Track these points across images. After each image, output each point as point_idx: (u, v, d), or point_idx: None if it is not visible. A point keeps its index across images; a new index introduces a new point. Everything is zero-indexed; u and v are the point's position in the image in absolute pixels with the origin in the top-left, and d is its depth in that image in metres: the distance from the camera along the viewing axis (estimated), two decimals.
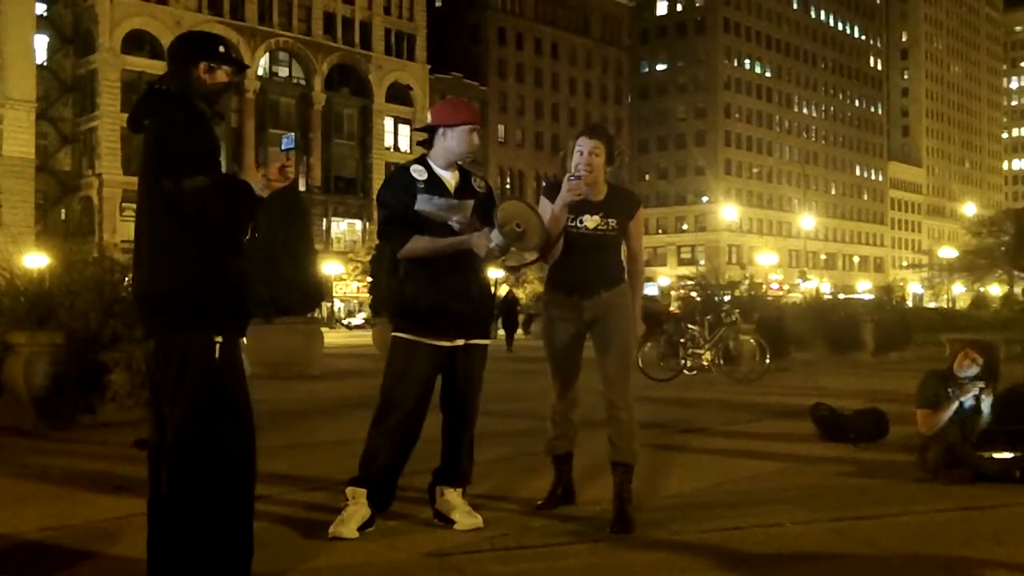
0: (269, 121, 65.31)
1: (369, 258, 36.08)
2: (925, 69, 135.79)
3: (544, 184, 4.92)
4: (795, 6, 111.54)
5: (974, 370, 5.78)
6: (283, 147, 3.59)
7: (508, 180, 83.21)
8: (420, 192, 4.37)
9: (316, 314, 18.33)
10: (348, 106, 72.07)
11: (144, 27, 60.67)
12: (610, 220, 4.64)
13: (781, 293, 52.96)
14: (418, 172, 4.45)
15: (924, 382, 5.93)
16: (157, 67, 52.56)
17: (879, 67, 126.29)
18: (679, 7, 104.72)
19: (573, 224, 4.60)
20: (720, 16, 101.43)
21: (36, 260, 24.38)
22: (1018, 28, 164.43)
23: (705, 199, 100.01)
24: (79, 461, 6.32)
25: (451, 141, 4.46)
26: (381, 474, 4.35)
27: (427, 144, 4.55)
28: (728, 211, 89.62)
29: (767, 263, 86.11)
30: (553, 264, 4.66)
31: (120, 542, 4.14)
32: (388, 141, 73.96)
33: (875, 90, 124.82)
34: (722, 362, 14.17)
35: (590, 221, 4.61)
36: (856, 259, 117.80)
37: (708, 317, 14.54)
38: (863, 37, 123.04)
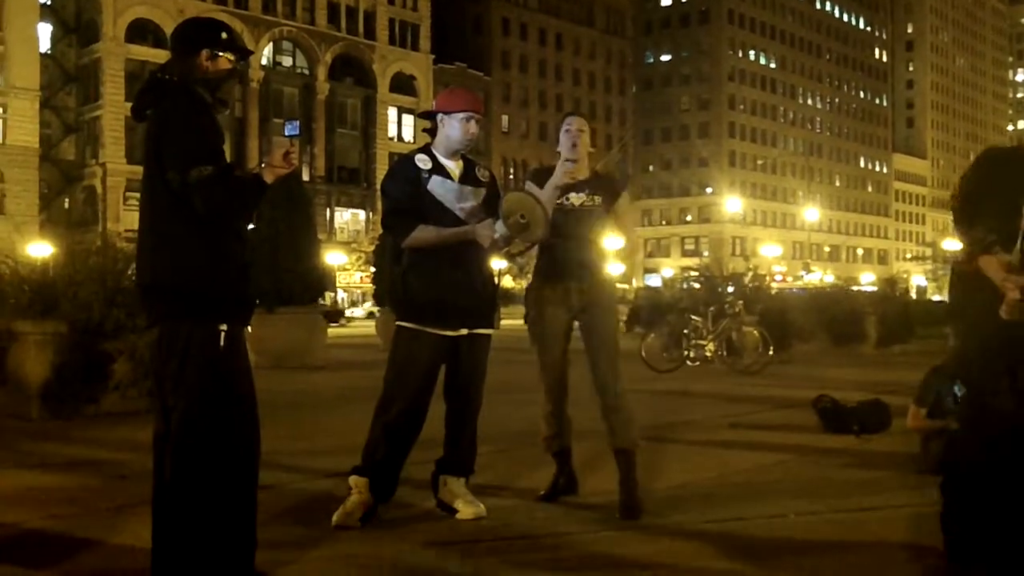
0: (273, 111, 65.21)
1: (372, 248, 36.06)
2: (930, 61, 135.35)
3: (527, 171, 5.14)
4: None
5: None
6: (287, 133, 3.57)
7: (511, 171, 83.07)
8: (427, 181, 4.38)
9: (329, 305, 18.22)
10: (351, 96, 71.94)
11: (147, 16, 60.56)
12: (595, 197, 4.76)
13: (786, 284, 52.89)
14: (422, 161, 4.45)
15: (928, 379, 5.88)
16: (161, 56, 52.26)
17: (884, 59, 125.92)
18: None
19: (560, 202, 4.67)
20: (724, 7, 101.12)
21: (40, 249, 24.42)
22: None
23: (709, 190, 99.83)
24: (82, 450, 6.33)
25: (448, 129, 4.47)
26: (384, 464, 4.35)
27: (432, 133, 4.55)
28: (732, 203, 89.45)
29: (771, 255, 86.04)
30: (541, 249, 4.71)
31: (124, 532, 4.15)
32: (392, 131, 73.85)
33: (880, 82, 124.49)
34: (725, 353, 14.15)
35: (576, 199, 4.73)
36: (860, 251, 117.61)
37: (711, 308, 14.52)
38: (868, 29, 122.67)
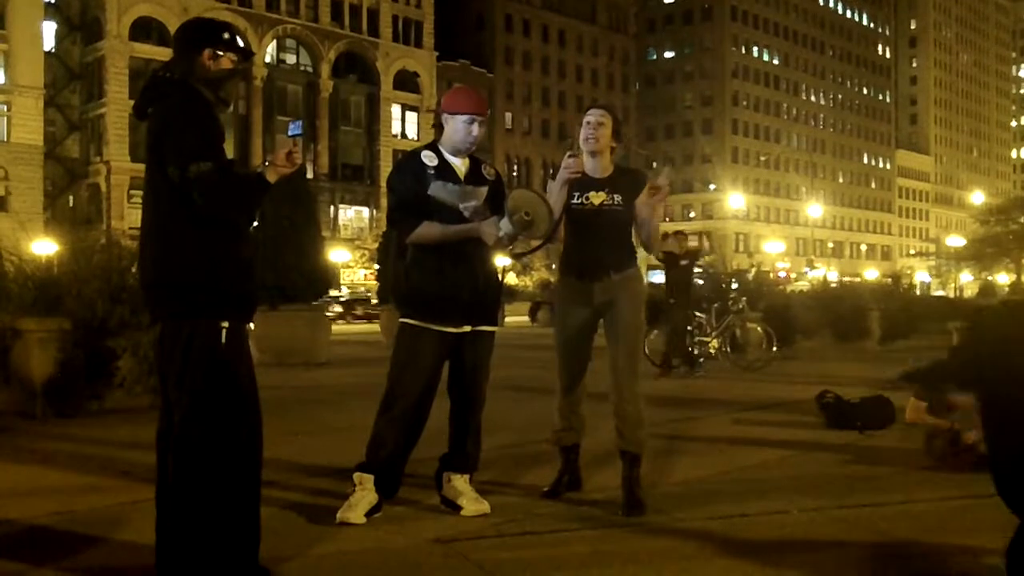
0: (276, 108, 65.27)
1: (376, 245, 36.09)
2: (934, 57, 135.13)
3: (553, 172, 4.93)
4: None
5: None
6: (290, 133, 3.58)
7: (515, 168, 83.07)
8: (432, 179, 4.38)
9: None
10: (355, 93, 71.97)
11: (151, 14, 60.62)
12: (616, 196, 4.62)
13: (788, 282, 52.84)
14: (428, 158, 4.46)
15: None
16: (165, 54, 52.50)
17: (887, 55, 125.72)
18: None
19: (578, 201, 4.61)
20: (727, 3, 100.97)
21: (44, 247, 24.46)
22: None
23: (712, 187, 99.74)
24: (86, 447, 6.34)
25: (451, 130, 4.46)
26: (388, 460, 4.36)
27: (441, 130, 4.55)
28: (735, 199, 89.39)
29: (774, 251, 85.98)
30: (564, 248, 4.68)
31: (128, 528, 4.16)
32: (395, 128, 73.88)
33: (883, 78, 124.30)
34: (729, 350, 14.14)
35: (595, 197, 4.61)
36: (863, 247, 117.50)
37: (715, 304, 14.51)
38: (871, 25, 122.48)
